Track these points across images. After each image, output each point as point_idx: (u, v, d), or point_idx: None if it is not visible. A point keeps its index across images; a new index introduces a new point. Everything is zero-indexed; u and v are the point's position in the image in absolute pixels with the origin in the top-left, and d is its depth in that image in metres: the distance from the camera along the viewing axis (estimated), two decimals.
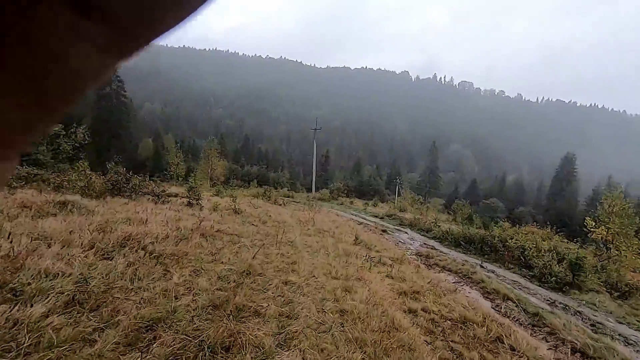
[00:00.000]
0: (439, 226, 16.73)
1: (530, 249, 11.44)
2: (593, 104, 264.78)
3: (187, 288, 3.68)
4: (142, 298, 3.21)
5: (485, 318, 4.80)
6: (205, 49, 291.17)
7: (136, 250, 4.48)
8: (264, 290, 4.03)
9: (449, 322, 4.59)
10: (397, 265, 7.06)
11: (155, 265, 4.17)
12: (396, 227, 17.40)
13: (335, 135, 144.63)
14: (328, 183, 72.64)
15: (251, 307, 3.43)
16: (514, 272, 10.13)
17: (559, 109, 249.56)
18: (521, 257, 11.08)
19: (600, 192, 73.87)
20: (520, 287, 8.38)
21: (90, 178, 9.56)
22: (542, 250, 11.88)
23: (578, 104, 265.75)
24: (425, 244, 13.60)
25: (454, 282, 7.54)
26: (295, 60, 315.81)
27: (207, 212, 9.07)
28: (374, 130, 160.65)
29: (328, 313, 3.68)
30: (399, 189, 72.97)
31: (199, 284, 3.82)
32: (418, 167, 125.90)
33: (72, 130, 18.46)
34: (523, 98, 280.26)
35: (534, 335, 5.31)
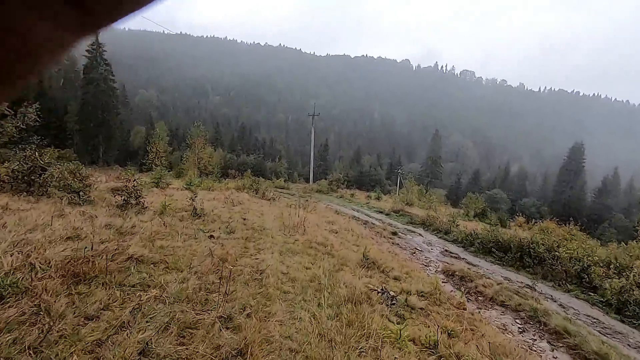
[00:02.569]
0: (457, 225, 14.01)
1: (587, 262, 8.74)
2: (596, 94, 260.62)
3: None
4: None
5: None
6: (202, 36, 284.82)
7: None
8: None
9: None
10: (433, 308, 4.38)
11: None
12: (406, 226, 14.65)
13: (334, 124, 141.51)
14: (327, 173, 69.82)
15: None
16: (578, 298, 7.40)
17: (562, 99, 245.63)
18: (582, 275, 8.35)
19: (610, 184, 71.75)
20: (610, 331, 5.68)
21: None
22: (600, 263, 9.20)
23: (581, 94, 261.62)
24: (446, 250, 10.86)
25: (520, 331, 4.87)
26: (294, 48, 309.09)
27: (147, 217, 6.32)
28: (373, 120, 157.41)
29: None
30: (400, 179, 70.29)
31: None
32: (418, 157, 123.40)
33: (21, 109, 15.50)
34: (525, 87, 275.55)
35: None
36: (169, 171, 37.36)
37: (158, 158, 22.32)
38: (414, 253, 9.43)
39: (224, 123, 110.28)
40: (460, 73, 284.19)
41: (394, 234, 11.90)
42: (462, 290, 6.83)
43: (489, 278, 7.14)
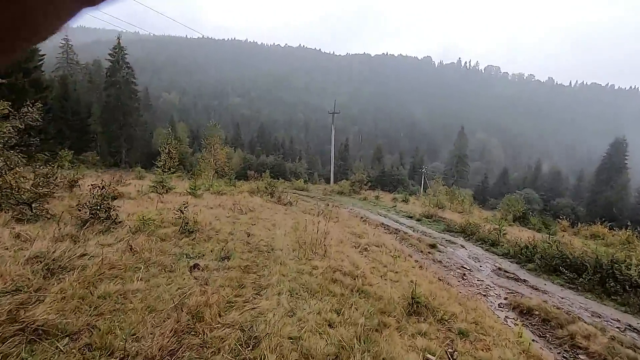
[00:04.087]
0: (505, 234, 11.89)
1: None
2: (633, 87, 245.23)
3: None
4: None
5: None
6: (224, 39, 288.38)
7: None
8: None
9: None
10: None
11: None
12: (443, 235, 12.63)
13: (354, 124, 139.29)
14: (347, 173, 67.75)
15: None
16: None
17: (595, 93, 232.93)
18: None
19: None
20: None
21: None
22: None
23: (616, 87, 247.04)
24: (499, 268, 8.84)
25: None
26: (314, 48, 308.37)
27: (114, 238, 4.75)
28: (394, 118, 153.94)
29: None
30: (425, 179, 67.38)
31: None
32: (440, 156, 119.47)
33: (23, 109, 14.56)
34: (555, 82, 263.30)
35: None
36: (188, 172, 36.62)
37: (172, 159, 21.03)
38: (464, 276, 7.48)
39: (244, 124, 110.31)
40: (485, 69, 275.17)
41: (433, 246, 9.95)
42: (536, 327, 4.92)
43: (583, 320, 5.16)
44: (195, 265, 4.20)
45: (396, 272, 5.57)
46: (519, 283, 7.90)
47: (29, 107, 13.22)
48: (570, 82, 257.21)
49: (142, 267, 3.78)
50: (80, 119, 48.61)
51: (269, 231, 7.11)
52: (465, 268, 8.28)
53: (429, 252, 9.23)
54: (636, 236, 20.75)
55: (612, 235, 22.03)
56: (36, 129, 15.09)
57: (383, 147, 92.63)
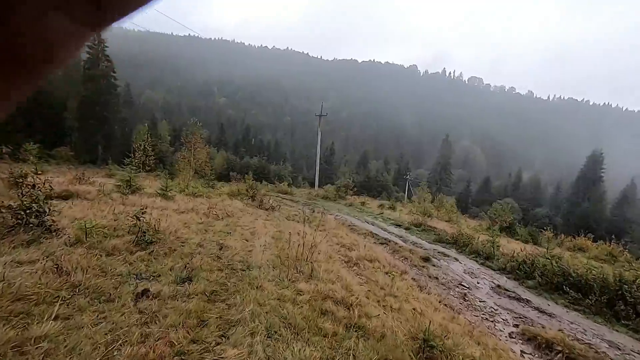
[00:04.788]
0: (499, 247, 11.27)
1: None
2: (607, 103, 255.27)
3: None
4: None
5: None
6: (211, 39, 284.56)
7: None
8: None
9: None
10: None
11: None
12: (434, 245, 11.91)
13: (341, 128, 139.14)
14: (332, 177, 66.96)
15: None
16: None
17: (572, 107, 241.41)
18: None
19: (630, 195, 68.16)
20: None
21: None
22: None
23: (591, 103, 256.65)
24: (498, 286, 8.11)
25: None
26: (302, 52, 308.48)
27: (40, 252, 3.70)
28: (380, 124, 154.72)
29: None
30: (409, 185, 67.32)
31: None
32: (425, 163, 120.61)
33: None
34: (534, 95, 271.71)
35: None
36: (167, 171, 34.93)
37: (147, 156, 19.70)
38: (465, 297, 6.69)
39: (229, 124, 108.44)
40: (469, 79, 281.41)
41: (427, 259, 9.17)
42: None
43: (610, 358, 4.42)
44: (144, 292, 3.22)
45: (395, 297, 4.71)
46: (522, 304, 7.18)
47: None
48: (549, 96, 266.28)
49: (66, 297, 2.78)
50: (55, 112, 46.25)
51: (247, 242, 6.12)
52: (464, 286, 7.52)
53: (423, 267, 8.43)
54: (620, 250, 20.68)
55: (596, 248, 21.95)
56: None
57: (369, 153, 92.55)
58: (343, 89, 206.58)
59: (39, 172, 5.67)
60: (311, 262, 4.94)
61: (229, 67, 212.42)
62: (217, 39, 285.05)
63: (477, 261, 10.36)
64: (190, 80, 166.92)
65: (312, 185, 50.64)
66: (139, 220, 4.73)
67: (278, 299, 3.63)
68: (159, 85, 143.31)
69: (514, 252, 11.45)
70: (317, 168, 33.61)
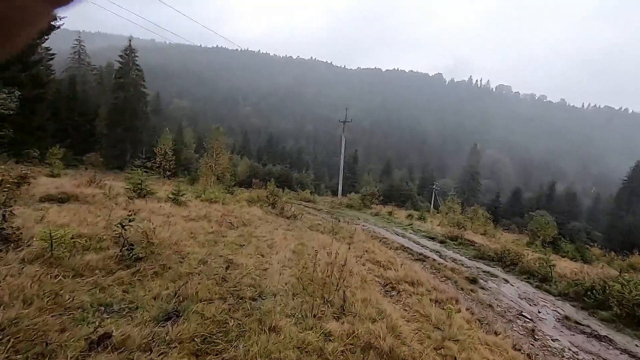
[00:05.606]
0: (553, 266, 9.69)
1: None
2: None
3: None
4: None
5: None
6: (237, 49, 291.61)
7: None
8: None
9: None
10: None
11: None
12: (476, 262, 10.45)
13: (364, 137, 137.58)
14: (355, 186, 65.54)
15: None
16: None
17: (608, 116, 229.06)
18: None
19: None
20: None
21: None
22: None
23: (630, 111, 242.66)
24: (566, 317, 6.66)
25: None
26: (325, 61, 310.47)
27: (7, 262, 2.76)
28: (403, 133, 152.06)
29: None
30: (435, 195, 64.81)
31: None
32: (449, 172, 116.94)
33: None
34: (567, 103, 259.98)
35: None
36: (189, 177, 34.89)
37: (168, 161, 19.27)
38: (534, 333, 5.32)
39: (253, 132, 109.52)
40: (496, 87, 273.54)
41: (473, 281, 7.79)
42: None
43: None
44: (102, 339, 2.19)
45: (457, 341, 3.50)
46: (604, 344, 5.71)
47: (3, 93, 11.50)
48: (583, 104, 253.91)
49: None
50: (87, 120, 47.68)
51: (262, 258, 5.02)
52: (526, 317, 6.12)
53: (471, 290, 7.07)
54: None
55: None
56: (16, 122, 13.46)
57: (392, 161, 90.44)
58: (366, 98, 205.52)
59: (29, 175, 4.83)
60: (342, 288, 3.80)
61: (254, 77, 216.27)
62: (242, 49, 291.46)
63: (530, 283, 8.84)
64: (216, 90, 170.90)
65: (334, 193, 49.46)
66: (124, 229, 3.75)
67: (298, 348, 2.52)
68: (187, 94, 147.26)
69: (574, 273, 9.85)
70: (341, 176, 32.46)
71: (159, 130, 62.36)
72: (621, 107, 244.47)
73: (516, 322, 5.79)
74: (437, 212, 39.57)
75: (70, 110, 44.80)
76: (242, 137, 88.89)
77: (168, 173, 18.31)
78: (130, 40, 52.28)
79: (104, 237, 4.21)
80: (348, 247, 6.68)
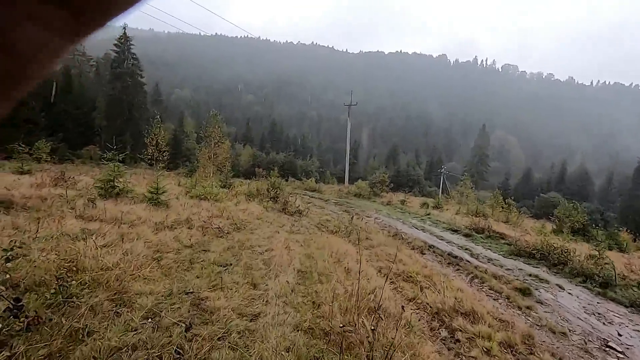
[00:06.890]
0: (606, 264, 8.14)
1: None
2: None
3: None
4: None
5: None
6: (237, 36, 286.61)
7: None
8: None
9: None
10: None
11: None
12: (513, 261, 8.92)
13: (368, 121, 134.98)
14: (361, 172, 63.78)
15: None
16: None
17: (618, 92, 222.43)
18: None
19: None
20: None
21: None
22: None
23: None
24: None
25: None
26: (327, 45, 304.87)
27: None
28: (408, 117, 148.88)
29: None
30: (444, 180, 62.92)
31: None
32: (457, 156, 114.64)
33: None
34: (575, 81, 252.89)
35: None
36: (189, 169, 33.38)
37: (160, 152, 17.70)
38: None
39: (255, 120, 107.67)
40: (502, 67, 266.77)
41: (526, 292, 6.27)
42: None
43: None
44: None
45: None
46: None
47: None
48: (592, 82, 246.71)
49: None
50: (84, 112, 46.22)
51: (253, 290, 3.50)
52: (615, 349, 4.58)
53: (527, 308, 5.53)
54: None
55: None
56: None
57: (398, 146, 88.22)
58: (369, 82, 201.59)
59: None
60: (384, 350, 2.27)
61: (255, 64, 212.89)
62: (243, 36, 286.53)
63: (589, 289, 7.29)
64: (217, 79, 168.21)
65: (340, 180, 47.88)
66: (9, 263, 2.20)
67: None
68: (187, 84, 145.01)
69: (629, 269, 8.29)
70: (347, 163, 30.86)
71: (160, 121, 60.83)
72: (632, 83, 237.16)
73: None
74: (448, 197, 37.88)
75: (65, 102, 43.29)
76: (245, 125, 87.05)
77: (161, 165, 16.78)
78: (124, 28, 50.36)
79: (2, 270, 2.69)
80: (366, 253, 5.13)
